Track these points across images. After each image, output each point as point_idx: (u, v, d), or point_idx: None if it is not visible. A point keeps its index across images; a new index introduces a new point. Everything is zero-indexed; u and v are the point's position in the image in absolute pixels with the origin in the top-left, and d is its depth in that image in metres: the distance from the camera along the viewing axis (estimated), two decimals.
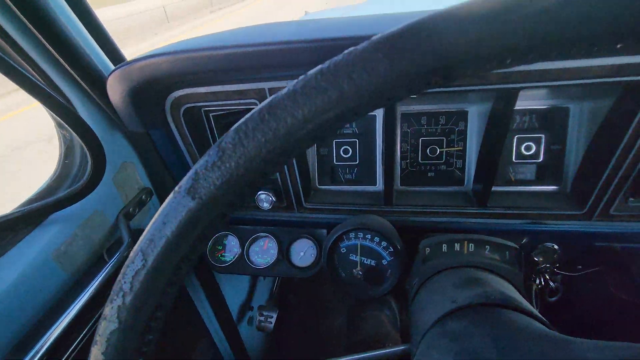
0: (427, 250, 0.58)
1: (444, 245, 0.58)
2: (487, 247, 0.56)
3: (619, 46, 0.17)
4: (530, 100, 0.72)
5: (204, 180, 0.23)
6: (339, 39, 0.52)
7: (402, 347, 0.48)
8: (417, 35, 0.19)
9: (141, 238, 0.25)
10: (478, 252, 0.57)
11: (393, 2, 2.01)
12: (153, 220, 0.25)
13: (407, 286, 0.76)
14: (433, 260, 0.58)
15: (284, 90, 0.21)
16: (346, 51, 0.20)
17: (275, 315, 1.22)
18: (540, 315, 0.41)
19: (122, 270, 0.25)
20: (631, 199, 0.69)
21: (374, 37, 0.20)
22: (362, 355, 0.49)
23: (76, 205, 0.63)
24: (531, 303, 0.56)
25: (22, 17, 0.51)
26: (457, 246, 0.58)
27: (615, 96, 0.61)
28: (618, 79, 0.54)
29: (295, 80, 0.21)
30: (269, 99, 0.22)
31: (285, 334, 1.56)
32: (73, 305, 0.58)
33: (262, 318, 1.20)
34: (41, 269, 0.58)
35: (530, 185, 0.77)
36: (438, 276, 0.55)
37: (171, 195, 0.24)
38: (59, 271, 0.60)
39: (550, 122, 0.72)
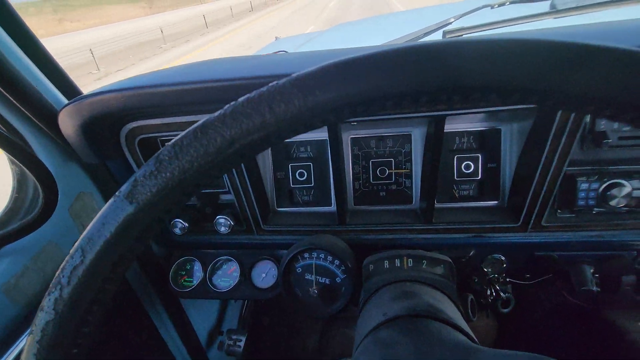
0: (371, 267, 0.62)
1: (385, 261, 0.62)
2: (424, 261, 0.60)
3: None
4: (467, 123, 0.78)
5: (142, 186, 0.26)
6: (267, 77, 0.57)
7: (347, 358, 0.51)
8: (325, 76, 0.23)
9: (81, 236, 0.27)
10: (416, 267, 0.61)
11: (349, 32, 2.12)
12: (93, 221, 0.27)
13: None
14: (376, 277, 0.61)
15: (216, 113, 0.25)
16: (270, 84, 0.24)
17: (244, 339, 1.22)
18: (461, 326, 0.45)
19: (61, 265, 0.27)
20: (559, 210, 0.75)
21: (293, 75, 0.24)
22: None
23: (28, 237, 0.64)
24: (467, 311, 0.60)
25: None
26: (397, 262, 0.62)
27: (533, 118, 0.68)
28: (528, 105, 0.60)
29: (227, 105, 0.25)
30: (202, 120, 0.25)
31: (256, 357, 1.55)
32: (20, 339, 0.58)
33: (230, 342, 1.20)
34: None
35: (472, 201, 0.82)
36: (380, 291, 0.58)
37: (111, 199, 0.27)
38: (9, 304, 0.60)
39: (486, 142, 0.79)
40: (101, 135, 0.68)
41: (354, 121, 0.69)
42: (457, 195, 0.83)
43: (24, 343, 0.59)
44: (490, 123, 0.78)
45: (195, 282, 0.92)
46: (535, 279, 1.01)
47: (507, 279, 0.95)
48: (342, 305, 0.74)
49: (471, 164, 0.80)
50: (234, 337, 1.21)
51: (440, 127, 0.66)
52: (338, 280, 0.76)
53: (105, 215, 0.26)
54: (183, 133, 0.26)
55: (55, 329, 0.26)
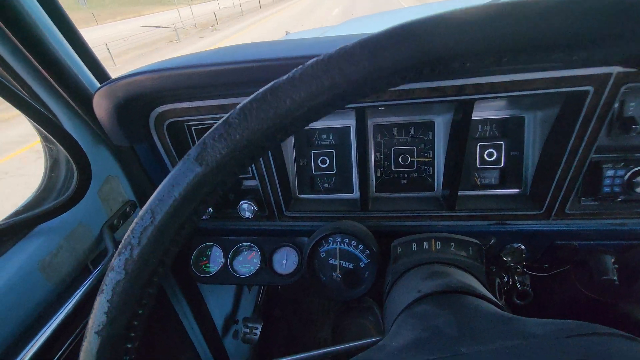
0: (399, 249, 0.63)
1: (413, 244, 0.63)
2: (452, 244, 0.61)
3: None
4: (490, 111, 0.79)
5: (211, 149, 0.26)
6: (303, 57, 0.57)
7: (375, 339, 0.52)
8: (393, 37, 0.24)
9: (151, 198, 0.28)
10: (444, 250, 0.61)
11: (361, 26, 2.13)
12: (163, 183, 0.28)
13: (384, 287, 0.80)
14: (404, 259, 0.62)
15: (285, 77, 0.26)
16: (339, 47, 0.25)
17: (260, 327, 1.23)
18: (494, 299, 0.46)
19: (131, 227, 0.28)
20: (583, 198, 0.75)
21: (361, 38, 0.25)
22: (339, 347, 0.52)
23: (61, 217, 0.65)
24: (494, 294, 0.61)
25: (13, 38, 0.55)
26: (425, 245, 0.62)
27: (559, 105, 0.68)
28: (558, 90, 0.61)
29: (295, 69, 0.26)
30: (271, 83, 0.26)
31: (270, 346, 1.56)
32: (57, 315, 0.59)
33: (247, 330, 1.21)
34: (27, 280, 0.59)
35: (494, 189, 0.83)
36: (409, 273, 0.59)
37: (180, 161, 0.27)
38: (44, 282, 0.62)
39: (509, 130, 0.79)
40: (132, 117, 0.69)
41: (381, 105, 0.70)
42: (478, 182, 0.84)
43: (59, 320, 0.60)
44: (514, 111, 0.78)
45: (216, 267, 0.94)
46: (552, 270, 1.01)
47: (525, 270, 0.95)
48: (366, 289, 0.75)
49: (494, 151, 0.81)
50: (250, 325, 1.23)
51: (468, 112, 0.67)
52: (361, 264, 0.77)
53: (175, 177, 0.27)
54: (251, 96, 0.26)
55: (125, 287, 0.27)
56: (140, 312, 0.29)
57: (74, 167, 0.59)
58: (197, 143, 0.27)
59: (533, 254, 0.85)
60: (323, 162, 0.88)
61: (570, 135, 0.66)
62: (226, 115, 0.27)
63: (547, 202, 0.75)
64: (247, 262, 0.94)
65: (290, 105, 0.25)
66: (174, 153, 0.79)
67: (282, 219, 0.88)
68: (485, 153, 0.81)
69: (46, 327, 0.59)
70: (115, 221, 0.76)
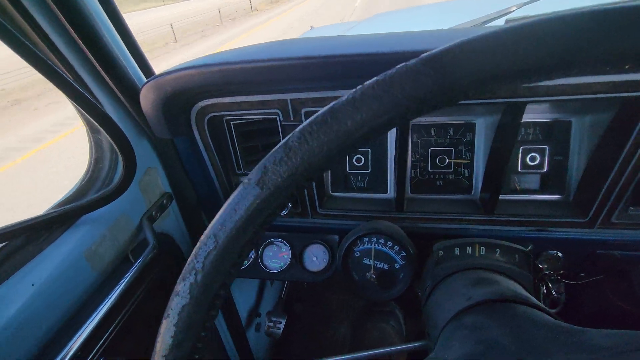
0: (440, 253, 0.62)
1: (456, 248, 0.61)
2: (498, 250, 0.59)
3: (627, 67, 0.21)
4: (534, 114, 0.76)
5: (272, 173, 0.26)
6: (359, 55, 0.56)
7: (419, 344, 0.51)
8: (458, 54, 0.23)
9: (213, 223, 0.28)
10: (489, 255, 0.60)
11: (388, 22, 2.09)
12: (224, 207, 0.28)
13: (418, 289, 0.79)
14: (446, 263, 0.61)
15: (344, 98, 0.25)
16: (399, 66, 0.24)
17: (284, 322, 1.24)
18: (551, 311, 0.45)
19: (194, 252, 0.28)
20: (631, 207, 0.72)
21: (424, 55, 0.24)
22: (379, 350, 0.52)
23: (104, 208, 0.66)
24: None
25: (69, 28, 0.56)
26: (469, 249, 0.61)
27: (614, 110, 0.65)
28: (617, 94, 0.58)
29: (354, 90, 0.25)
30: (330, 105, 0.26)
31: (290, 341, 1.58)
32: (104, 303, 0.60)
33: (270, 324, 1.22)
34: (74, 267, 0.60)
35: (535, 194, 0.80)
36: (451, 277, 0.58)
37: (241, 186, 0.28)
38: (89, 270, 0.63)
39: (554, 134, 0.77)
40: (176, 111, 0.69)
41: None
42: (518, 187, 0.82)
43: (105, 310, 0.62)
44: (561, 114, 0.75)
45: (247, 262, 0.94)
46: (586, 279, 0.98)
47: (559, 277, 0.93)
48: (401, 291, 0.74)
49: (537, 155, 0.78)
50: (274, 319, 1.24)
51: (518, 115, 0.65)
52: (397, 266, 0.76)
53: (236, 202, 0.27)
54: (310, 119, 0.26)
55: (190, 312, 0.28)
56: (203, 334, 0.30)
57: (121, 158, 0.60)
58: (257, 167, 0.27)
59: (570, 262, 0.83)
60: (358, 160, 0.87)
61: (625, 142, 0.63)
62: (285, 139, 0.27)
63: (592, 210, 0.72)
64: (277, 258, 0.94)
65: (351, 127, 0.25)
66: (212, 147, 0.79)
67: (314, 217, 0.88)
68: (528, 157, 0.79)
69: (94, 316, 0.60)
70: (153, 212, 0.78)
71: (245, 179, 0.28)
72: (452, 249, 0.62)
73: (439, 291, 0.57)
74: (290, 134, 0.27)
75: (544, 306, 0.45)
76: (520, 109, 0.64)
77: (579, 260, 0.83)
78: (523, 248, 0.59)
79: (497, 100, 0.63)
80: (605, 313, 1.20)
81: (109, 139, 0.59)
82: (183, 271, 0.29)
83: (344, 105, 0.25)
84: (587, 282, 0.99)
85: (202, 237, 0.28)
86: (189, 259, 0.29)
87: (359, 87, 0.25)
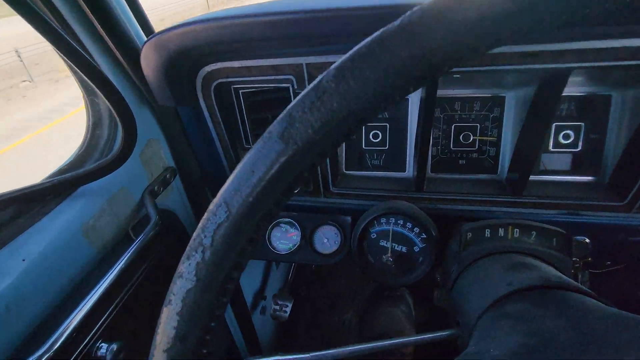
0: (469, 235, 0.56)
1: (487, 230, 0.56)
2: (534, 232, 0.54)
3: None
4: (570, 87, 0.69)
5: (300, 123, 0.21)
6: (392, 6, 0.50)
7: (448, 332, 0.46)
8: None
9: (224, 188, 0.23)
10: (523, 238, 0.55)
11: None
12: (238, 168, 0.23)
13: (437, 274, 0.74)
14: (475, 246, 0.56)
15: (397, 22, 0.19)
16: None
17: (290, 305, 1.20)
18: (606, 301, 0.39)
19: (201, 224, 0.23)
20: None
21: None
22: (404, 339, 0.47)
23: (104, 179, 0.61)
24: None
25: None
26: (501, 231, 0.56)
27: None
28: None
29: (409, 12, 0.19)
30: (378, 32, 0.20)
31: (296, 325, 1.55)
32: (102, 282, 0.56)
33: (277, 307, 1.19)
34: (70, 242, 0.56)
35: (566, 175, 0.74)
36: (482, 262, 0.53)
37: (260, 141, 0.22)
38: (87, 246, 0.58)
39: (591, 110, 0.70)
40: (180, 74, 0.63)
41: (458, 73, 0.62)
42: (546, 167, 0.76)
43: (103, 288, 0.57)
44: (600, 88, 0.69)
45: None
46: (610, 267, 0.93)
47: (584, 265, 0.88)
48: (420, 275, 0.70)
49: (571, 133, 0.72)
50: (281, 302, 1.20)
51: (559, 85, 0.58)
52: (416, 249, 0.71)
53: (254, 161, 0.22)
54: (351, 52, 0.20)
55: (197, 298, 0.23)
56: (212, 325, 0.25)
57: (120, 125, 0.55)
58: (281, 116, 0.22)
59: (598, 249, 0.77)
60: (375, 136, 0.81)
61: None
62: (318, 79, 0.21)
63: (631, 193, 0.66)
64: (286, 239, 0.90)
65: (406, 60, 0.19)
66: (219, 118, 0.73)
67: (327, 196, 0.83)
68: (561, 135, 0.73)
69: (91, 295, 0.56)
70: (156, 187, 0.72)
71: (265, 133, 0.22)
72: (482, 231, 0.56)
73: (468, 276, 0.52)
74: (324, 72, 0.21)
75: (594, 294, 0.40)
76: (563, 77, 0.57)
77: (607, 248, 0.77)
78: (562, 231, 0.54)
79: (537, 67, 0.56)
80: (628, 304, 1.15)
81: (107, 103, 0.53)
82: (188, 248, 0.23)
83: (397, 32, 0.19)
84: (610, 271, 0.94)
85: (211, 206, 0.23)
86: (195, 233, 0.23)
87: (416, 7, 0.19)
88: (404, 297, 1.29)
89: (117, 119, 0.54)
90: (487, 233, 0.56)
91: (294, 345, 1.52)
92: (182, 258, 0.23)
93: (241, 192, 0.22)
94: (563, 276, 0.43)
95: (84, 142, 0.64)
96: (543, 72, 0.59)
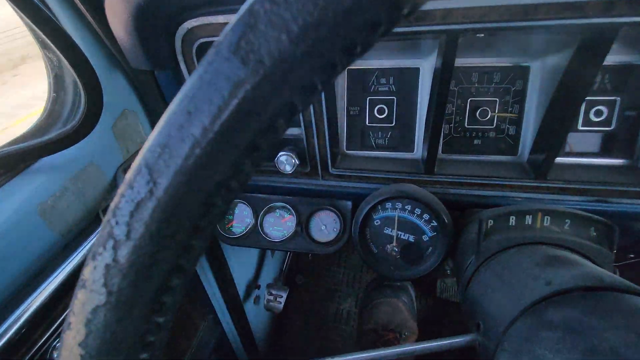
0: (490, 222, 0.48)
1: (512, 217, 0.48)
2: (568, 220, 0.46)
3: None
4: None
5: (268, 25, 0.12)
6: None
7: (467, 338, 0.39)
8: None
9: (146, 145, 0.14)
10: (554, 227, 0.46)
11: None
12: (167, 111, 0.14)
13: (448, 267, 0.66)
14: (497, 235, 0.48)
15: None
16: None
17: (285, 295, 1.13)
18: None
19: (111, 205, 0.15)
20: None
21: None
22: (414, 346, 0.39)
23: (68, 153, 0.53)
24: None
25: None
26: (528, 219, 0.47)
27: None
28: None
29: None
30: None
31: (290, 315, 1.48)
32: (61, 270, 0.48)
33: (271, 297, 1.12)
34: (23, 224, 0.47)
35: (595, 158, 0.66)
36: (506, 254, 0.45)
37: (203, 62, 0.14)
38: (45, 228, 0.50)
39: (629, 82, 0.61)
40: (155, 30, 0.54)
41: (483, 30, 0.52)
42: (572, 149, 0.67)
43: (61, 277, 0.49)
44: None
45: (244, 228, 0.82)
46: (634, 259, 0.86)
47: None
48: (430, 268, 0.62)
49: (604, 109, 0.63)
50: (274, 292, 1.13)
51: (603, 48, 0.49)
52: (425, 238, 0.63)
53: (191, 97, 0.14)
54: None
55: (109, 321, 0.16)
56: (144, 356, 0.17)
57: (80, 85, 0.46)
58: (235, 17, 0.13)
59: (623, 242, 0.69)
60: (380, 111, 0.72)
61: None
62: None
63: None
64: (280, 225, 0.82)
65: None
66: None
67: (325, 177, 0.74)
68: (592, 111, 0.64)
69: (48, 283, 0.48)
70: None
71: (211, 49, 0.14)
72: (507, 218, 0.48)
73: (490, 271, 0.44)
74: None
75: None
76: (609, 37, 0.48)
77: (634, 240, 0.69)
78: (604, 220, 0.45)
79: (579, 22, 0.47)
80: None
81: (63, 59, 0.44)
82: (93, 244, 0.15)
83: None
84: (629, 264, 0.87)
85: (127, 175, 0.15)
86: (105, 219, 0.15)
87: None
88: (406, 287, 1.22)
89: (77, 78, 0.45)
90: (512, 221, 0.48)
91: (289, 338, 1.46)
92: (87, 259, 0.15)
93: (171, 149, 0.14)
94: (614, 275, 0.35)
95: (45, 109, 0.55)
96: (584, 30, 0.50)
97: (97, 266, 0.15)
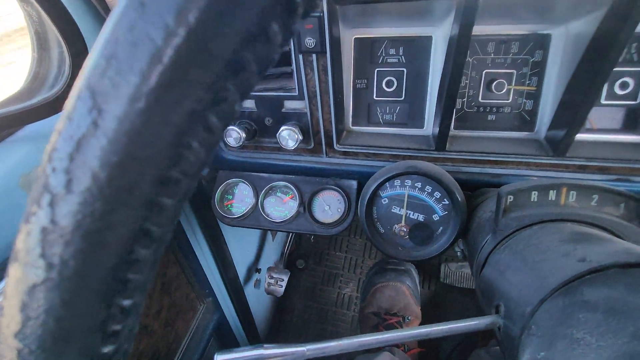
0: (511, 198, 0.45)
1: (534, 192, 0.44)
2: (595, 196, 0.42)
3: None
4: None
5: None
6: None
7: (487, 320, 0.35)
8: None
9: (87, 60, 0.11)
10: (581, 203, 0.43)
11: None
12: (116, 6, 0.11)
13: (458, 248, 0.63)
14: (517, 212, 0.44)
15: None
16: None
17: (286, 279, 1.11)
18: None
19: (47, 147, 0.12)
20: None
21: None
22: (432, 329, 0.36)
23: (54, 120, 0.48)
24: None
25: None
26: (552, 194, 0.44)
27: None
28: None
29: None
30: None
31: (291, 298, 1.47)
32: None
33: (272, 281, 1.09)
34: (4, 197, 0.44)
35: (618, 134, 0.62)
36: (528, 231, 0.41)
37: None
38: None
39: None
40: None
41: None
42: (594, 125, 0.63)
43: None
44: None
45: (244, 208, 0.78)
46: None
47: None
48: (440, 249, 0.59)
49: (630, 81, 0.59)
50: (275, 276, 1.11)
51: (637, 10, 0.44)
52: (435, 217, 0.59)
53: (115, 39, 0.11)
54: None
55: (54, 303, 0.12)
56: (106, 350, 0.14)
57: (63, 44, 0.41)
58: None
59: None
60: (389, 84, 0.67)
61: None
62: None
63: None
64: (282, 205, 0.78)
65: None
66: None
67: (330, 155, 0.70)
68: (618, 83, 0.59)
69: None
70: None
71: None
72: (528, 194, 0.44)
73: (509, 249, 0.41)
74: None
75: None
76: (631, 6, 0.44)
77: None
78: (634, 194, 0.42)
79: None
80: None
81: (43, 12, 0.40)
82: (29, 200, 0.12)
83: None
84: None
85: (67, 103, 0.12)
86: (39, 167, 0.12)
87: None
88: (409, 271, 1.20)
89: (59, 36, 0.41)
90: (534, 196, 0.44)
91: (290, 321, 1.44)
92: (20, 223, 0.12)
93: (120, 60, 0.11)
94: None
95: (30, 71, 0.50)
96: None
97: (31, 231, 0.12)
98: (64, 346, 0.13)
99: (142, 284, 0.14)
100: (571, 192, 0.43)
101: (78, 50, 0.43)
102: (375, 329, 1.07)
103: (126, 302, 0.13)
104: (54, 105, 0.46)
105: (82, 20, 0.49)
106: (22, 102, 0.46)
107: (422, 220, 0.60)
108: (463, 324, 0.36)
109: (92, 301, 0.13)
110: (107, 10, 0.51)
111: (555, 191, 0.43)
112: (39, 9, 0.38)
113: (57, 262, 0.12)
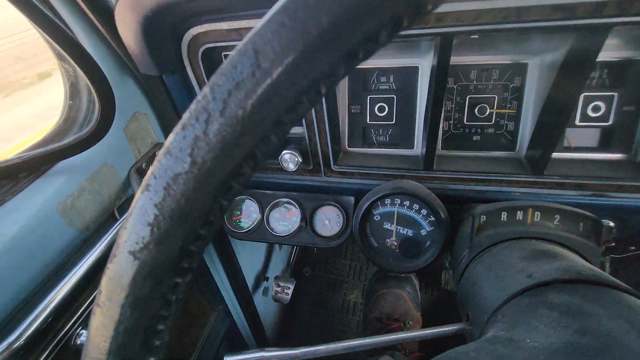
0: (483, 218, 0.50)
1: (503, 213, 0.50)
2: (557, 216, 0.48)
3: None
4: (603, 51, 0.61)
5: None
6: None
7: (456, 327, 0.41)
8: None
9: (256, 28, 0.15)
10: (544, 222, 0.48)
11: None
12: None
13: (445, 260, 0.69)
14: (489, 230, 0.50)
15: None
16: None
17: (292, 287, 1.17)
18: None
19: (210, 81, 0.16)
20: None
21: None
22: (407, 334, 0.42)
23: (84, 155, 0.56)
24: None
25: None
26: (519, 214, 0.49)
27: None
28: None
29: None
30: None
31: (298, 305, 1.53)
32: (82, 263, 0.52)
33: (278, 289, 1.16)
34: (46, 223, 0.51)
35: (593, 153, 0.67)
36: (496, 248, 0.47)
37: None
38: (65, 226, 0.54)
39: (626, 78, 0.62)
40: (162, 37, 0.57)
41: (476, 32, 0.54)
42: (571, 144, 0.68)
43: (85, 269, 0.53)
44: (638, 52, 0.60)
45: (251, 223, 0.85)
46: (634, 252, 0.87)
47: (605, 250, 0.81)
48: (427, 261, 0.64)
49: (601, 105, 0.64)
50: (282, 284, 1.17)
51: (595, 47, 0.50)
52: (423, 232, 0.65)
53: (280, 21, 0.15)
54: None
55: (189, 188, 0.17)
56: (155, 343, 0.20)
57: (94, 94, 0.49)
58: None
59: (622, 233, 0.71)
60: (381, 109, 0.74)
61: None
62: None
63: None
64: (285, 220, 0.85)
65: None
66: None
67: (328, 174, 0.77)
68: (590, 107, 0.65)
69: (70, 276, 0.52)
70: (143, 165, 0.67)
71: None
72: (498, 214, 0.50)
73: (481, 264, 0.46)
74: None
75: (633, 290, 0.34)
76: (600, 37, 0.49)
77: (633, 232, 0.70)
78: (591, 215, 0.47)
79: (571, 23, 0.48)
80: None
81: (78, 68, 0.47)
82: (184, 116, 0.17)
83: None
84: (630, 256, 0.88)
85: (233, 54, 0.16)
86: (199, 95, 0.17)
87: None
88: (410, 278, 1.25)
89: (91, 87, 0.49)
90: (504, 216, 0.50)
91: (297, 327, 1.50)
92: (174, 127, 0.17)
93: (281, 38, 0.15)
94: (594, 268, 0.37)
95: (62, 115, 0.59)
96: (577, 30, 0.51)
97: (186, 136, 0.16)
98: (183, 222, 0.18)
99: (238, 192, 0.19)
100: (536, 212, 0.48)
101: (107, 99, 0.50)
102: (378, 333, 1.12)
103: (225, 203, 0.18)
104: (84, 144, 0.54)
105: (110, 74, 0.57)
106: (56, 141, 0.54)
107: (411, 235, 0.65)
108: (437, 330, 0.42)
109: (210, 194, 0.18)
110: (133, 63, 0.58)
111: (522, 211, 0.49)
112: (76, 67, 0.46)
113: (199, 162, 0.17)
